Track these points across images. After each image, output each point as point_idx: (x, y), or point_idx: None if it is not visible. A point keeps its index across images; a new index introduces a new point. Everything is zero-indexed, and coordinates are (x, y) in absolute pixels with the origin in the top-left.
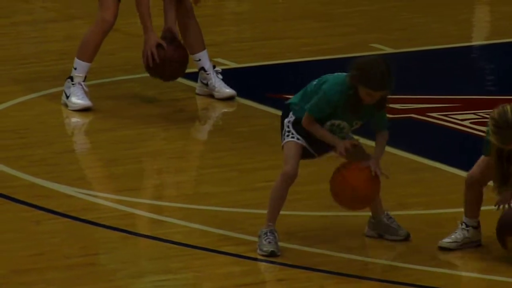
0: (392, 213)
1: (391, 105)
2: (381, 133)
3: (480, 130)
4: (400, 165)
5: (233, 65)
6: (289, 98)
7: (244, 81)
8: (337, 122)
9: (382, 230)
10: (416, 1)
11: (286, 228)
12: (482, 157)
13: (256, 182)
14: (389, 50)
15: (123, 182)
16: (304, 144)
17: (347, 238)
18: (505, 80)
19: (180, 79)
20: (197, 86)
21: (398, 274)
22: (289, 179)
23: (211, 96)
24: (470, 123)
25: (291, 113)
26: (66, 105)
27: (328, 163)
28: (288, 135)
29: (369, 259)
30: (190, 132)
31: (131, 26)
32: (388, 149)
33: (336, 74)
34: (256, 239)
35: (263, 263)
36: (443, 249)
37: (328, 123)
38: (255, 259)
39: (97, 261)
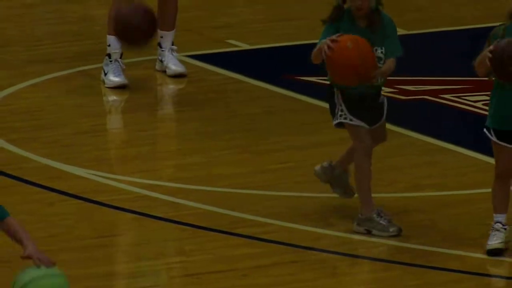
0: (405, 194)
1: (404, 87)
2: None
3: None
4: (414, 147)
5: (245, 46)
6: (305, 79)
7: (259, 62)
8: None
9: (332, 180)
10: None
11: (299, 210)
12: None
13: (269, 164)
14: (402, 31)
15: (136, 164)
16: (359, 123)
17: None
18: None
19: (191, 60)
20: (156, 63)
21: (410, 256)
22: (369, 151)
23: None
24: (483, 104)
25: (335, 89)
26: (103, 82)
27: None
28: (341, 115)
29: (380, 241)
30: (203, 113)
31: None
32: (402, 131)
33: None
34: (268, 220)
35: (276, 245)
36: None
37: None
38: (268, 241)
39: (110, 243)
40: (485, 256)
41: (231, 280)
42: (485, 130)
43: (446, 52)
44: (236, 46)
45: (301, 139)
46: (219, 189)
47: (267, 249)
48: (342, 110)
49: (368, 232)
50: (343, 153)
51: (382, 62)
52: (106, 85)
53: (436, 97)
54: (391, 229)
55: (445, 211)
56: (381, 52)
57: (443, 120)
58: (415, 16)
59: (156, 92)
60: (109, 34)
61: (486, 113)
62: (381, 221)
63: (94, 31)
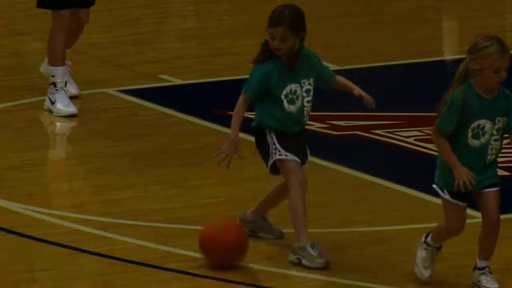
0: (335, 230)
1: (335, 122)
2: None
3: (425, 147)
4: (345, 182)
5: (178, 81)
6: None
7: (189, 97)
8: (292, 87)
9: (256, 228)
10: (359, 18)
11: None
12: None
13: (201, 199)
14: (333, 67)
15: (68, 198)
16: (295, 158)
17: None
18: None
19: (123, 95)
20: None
21: None
22: (305, 186)
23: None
24: (415, 140)
25: (266, 129)
26: (50, 111)
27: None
28: (276, 153)
29: (310, 276)
30: (134, 148)
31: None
32: (333, 166)
33: None
34: (200, 255)
35: (208, 280)
36: None
37: (284, 92)
38: (199, 276)
39: (42, 277)
40: None
41: None
42: (435, 187)
43: (377, 88)
44: (168, 81)
45: (231, 173)
46: (150, 224)
47: (198, 284)
48: (276, 148)
49: (299, 262)
50: (260, 201)
51: (311, 93)
52: (55, 114)
53: (367, 133)
54: (319, 261)
55: (375, 246)
56: (309, 84)
57: (375, 155)
58: (345, 51)
59: (88, 127)
60: (52, 65)
61: (418, 148)
62: (312, 252)
63: (26, 66)
